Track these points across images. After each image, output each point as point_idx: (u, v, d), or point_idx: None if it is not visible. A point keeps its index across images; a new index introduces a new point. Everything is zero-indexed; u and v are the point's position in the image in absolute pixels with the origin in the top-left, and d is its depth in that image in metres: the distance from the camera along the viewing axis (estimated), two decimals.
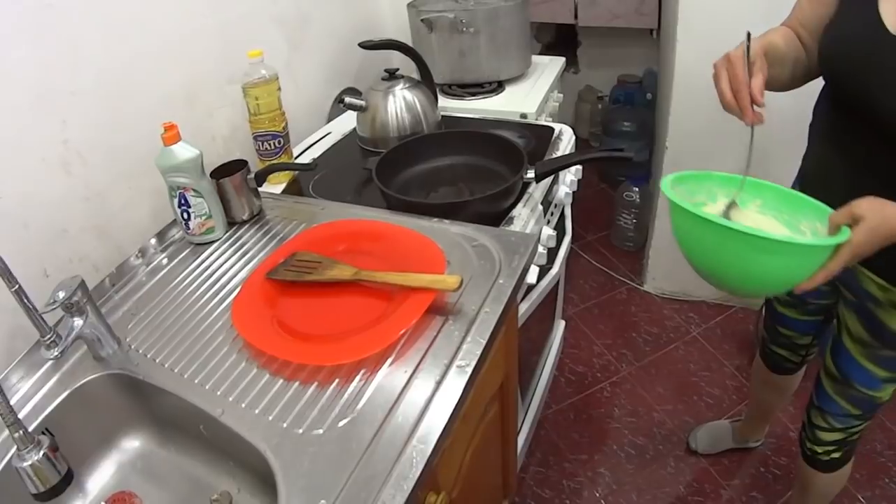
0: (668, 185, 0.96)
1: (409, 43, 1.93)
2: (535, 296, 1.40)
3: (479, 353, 0.89)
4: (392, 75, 1.59)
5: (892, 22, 0.91)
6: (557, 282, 1.66)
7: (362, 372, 0.89)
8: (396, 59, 1.60)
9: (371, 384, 0.87)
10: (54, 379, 0.97)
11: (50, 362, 0.97)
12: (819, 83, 1.11)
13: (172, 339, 1.01)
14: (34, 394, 0.95)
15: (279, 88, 1.40)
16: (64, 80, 1.10)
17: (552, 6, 2.85)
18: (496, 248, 1.07)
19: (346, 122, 1.75)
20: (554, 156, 1.47)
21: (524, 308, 1.36)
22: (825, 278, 0.89)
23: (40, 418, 0.92)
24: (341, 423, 0.82)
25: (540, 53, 2.20)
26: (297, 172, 1.50)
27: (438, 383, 0.86)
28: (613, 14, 2.85)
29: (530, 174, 1.26)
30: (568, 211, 1.60)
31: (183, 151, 1.14)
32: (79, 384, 0.96)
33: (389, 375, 0.88)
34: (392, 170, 1.37)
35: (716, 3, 1.83)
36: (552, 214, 1.43)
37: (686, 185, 1.01)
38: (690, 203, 0.92)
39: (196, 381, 0.92)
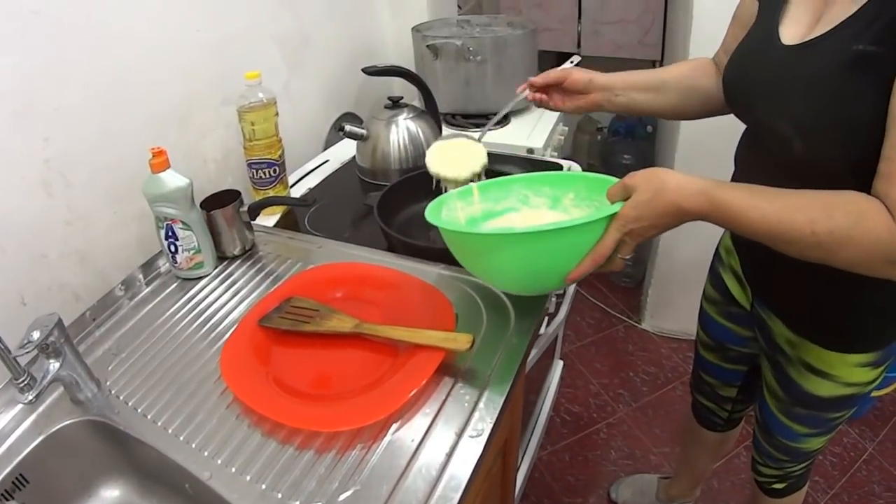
0: (433, 208, 0.96)
1: (412, 68, 1.87)
2: (540, 343, 1.32)
3: (492, 421, 0.82)
4: (396, 104, 1.52)
5: (789, 35, 0.85)
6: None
7: (365, 438, 0.81)
8: (398, 85, 1.53)
9: (375, 453, 0.79)
10: (30, 420, 0.90)
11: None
12: None
13: (157, 387, 0.93)
14: (8, 435, 0.88)
15: (277, 114, 1.33)
16: (48, 93, 1.03)
17: (555, 35, 2.81)
18: (507, 300, 1.00)
19: (345, 149, 1.68)
20: None
21: (530, 356, 1.29)
22: (593, 263, 0.82)
23: (15, 462, 0.85)
24: (342, 497, 0.74)
25: None
26: (313, 199, 1.42)
27: (449, 455, 0.78)
28: (617, 45, 2.82)
29: None
30: None
31: (172, 180, 1.07)
32: (55, 429, 0.89)
33: (395, 443, 0.80)
34: (394, 206, 1.29)
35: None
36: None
37: (490, 192, 1.03)
38: (446, 219, 0.96)
39: (181, 438, 0.84)
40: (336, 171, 1.62)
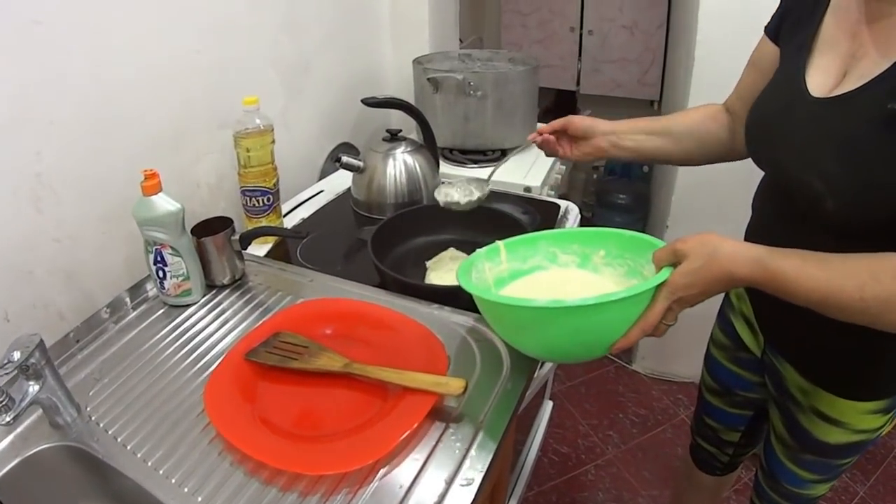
0: (463, 273, 0.91)
1: (412, 100, 1.86)
2: (532, 385, 1.30)
3: (484, 469, 0.78)
4: (394, 136, 1.51)
5: (816, 86, 0.83)
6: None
7: (351, 482, 0.78)
8: (396, 117, 1.52)
9: (361, 498, 0.76)
10: (7, 441, 0.87)
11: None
12: None
13: (138, 416, 0.90)
14: None
15: (273, 141, 1.31)
16: (43, 106, 1.01)
17: (555, 72, 2.82)
18: (501, 344, 0.97)
19: (340, 180, 1.67)
20: None
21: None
22: (641, 332, 0.79)
23: None
24: None
25: (539, 119, 2.14)
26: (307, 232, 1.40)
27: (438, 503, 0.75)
28: (616, 83, 2.83)
29: None
30: None
31: (163, 204, 1.05)
32: (32, 452, 0.86)
33: (382, 489, 0.77)
34: (388, 242, 1.27)
35: (728, 80, 1.75)
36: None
37: (517, 250, 1.00)
38: (478, 286, 0.92)
39: (161, 472, 0.81)
40: (330, 202, 1.60)
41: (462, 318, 1.03)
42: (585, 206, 3.37)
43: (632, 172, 3.01)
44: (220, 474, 0.80)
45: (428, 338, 0.96)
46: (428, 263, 1.25)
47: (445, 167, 1.80)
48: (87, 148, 1.10)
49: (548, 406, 2.05)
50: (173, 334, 1.07)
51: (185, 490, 0.78)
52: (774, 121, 0.89)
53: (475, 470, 0.78)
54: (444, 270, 1.20)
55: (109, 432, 0.87)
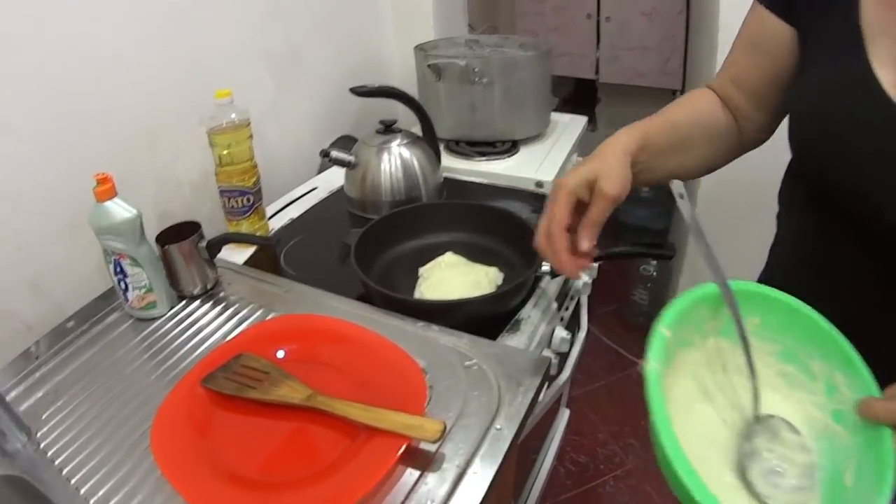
0: (656, 379, 0.64)
1: (415, 91, 1.74)
2: (537, 409, 1.16)
3: None
4: (388, 128, 1.38)
5: (890, 84, 0.65)
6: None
7: None
8: (402, 109, 1.41)
9: None
10: None
11: None
12: None
13: (88, 444, 0.80)
14: None
15: (250, 136, 1.20)
16: None
17: (573, 59, 2.69)
18: (496, 372, 0.84)
19: (335, 176, 1.54)
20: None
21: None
22: None
23: None
24: None
25: (557, 108, 2.00)
26: (278, 239, 1.29)
27: None
28: (636, 72, 2.70)
29: (546, 267, 1.03)
30: (584, 300, 1.38)
31: (118, 210, 0.94)
32: None
33: None
34: (377, 246, 1.15)
35: None
36: (566, 309, 1.21)
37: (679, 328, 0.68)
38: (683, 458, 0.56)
39: None
40: (323, 200, 1.48)
41: (451, 340, 0.90)
42: None
43: None
44: None
45: (408, 366, 0.82)
46: (421, 270, 1.12)
47: (451, 160, 1.67)
48: (46, 150, 1.03)
49: (564, 414, 1.92)
50: (137, 350, 0.97)
51: None
52: (844, 128, 0.70)
53: None
54: (438, 280, 1.08)
55: (55, 463, 0.79)
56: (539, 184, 1.54)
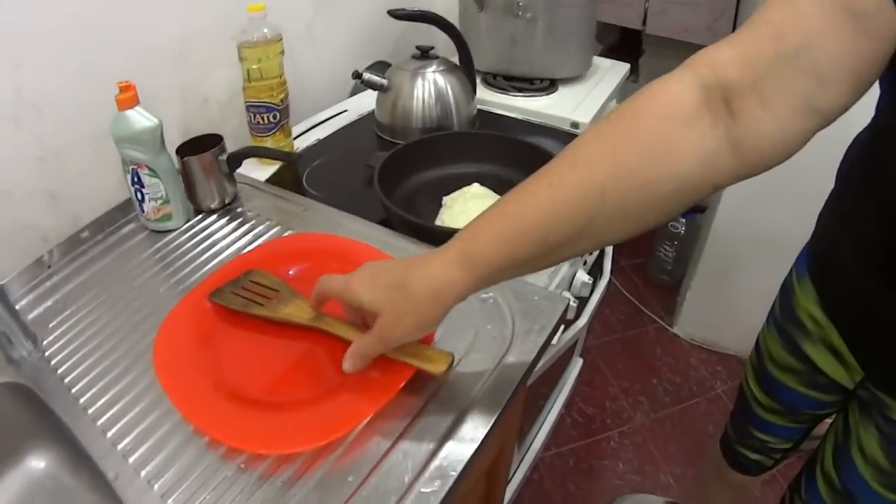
0: None
1: (456, 21, 1.67)
2: (551, 352, 1.14)
3: (459, 468, 0.64)
4: (424, 54, 1.33)
5: None
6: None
7: (298, 463, 0.65)
8: (441, 39, 1.36)
9: (305, 485, 0.63)
10: None
11: None
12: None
13: (91, 355, 0.80)
14: None
15: (282, 52, 1.16)
16: (26, 15, 0.90)
17: (620, 8, 2.58)
18: (512, 307, 0.81)
19: (367, 100, 1.50)
20: None
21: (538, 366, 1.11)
22: None
23: None
24: None
25: (601, 55, 1.93)
26: (297, 154, 1.27)
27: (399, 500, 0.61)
28: (684, 27, 2.59)
29: None
30: (610, 248, 1.34)
31: (139, 119, 0.92)
32: None
33: (331, 476, 0.64)
34: (402, 171, 1.12)
35: None
36: (589, 253, 1.18)
37: None
38: None
39: (98, 424, 0.71)
40: (352, 123, 1.45)
41: None
42: None
43: None
44: (160, 432, 0.69)
45: None
46: (445, 199, 1.09)
47: (487, 94, 1.62)
48: (77, 62, 0.99)
49: (577, 363, 1.91)
50: (151, 261, 0.96)
51: (118, 448, 0.68)
52: None
53: (450, 469, 0.64)
54: (460, 210, 1.05)
55: (58, 371, 0.79)
56: (575, 124, 1.49)
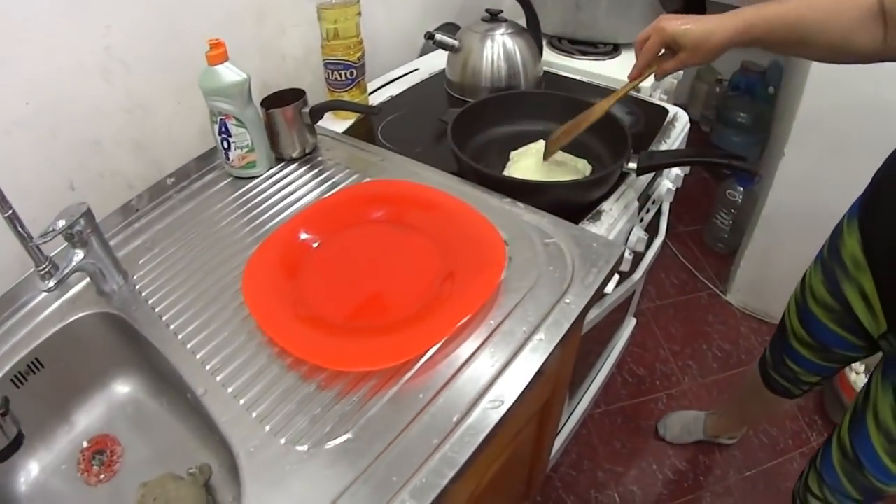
0: None
1: None
2: (607, 303, 1.21)
3: (510, 401, 0.70)
4: (494, 17, 1.38)
5: None
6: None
7: (373, 381, 0.73)
8: (509, 3, 1.40)
9: (379, 401, 0.71)
10: (54, 306, 0.88)
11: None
12: None
13: (179, 287, 0.89)
14: (31, 319, 0.86)
15: (359, 13, 1.23)
16: None
17: None
18: (572, 252, 0.87)
19: (437, 60, 1.56)
20: (663, 144, 1.25)
21: (591, 315, 1.17)
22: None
23: (32, 346, 0.84)
24: (329, 445, 0.67)
25: None
26: (379, 108, 1.33)
27: (460, 420, 0.69)
28: None
29: (632, 164, 1.05)
30: (666, 208, 1.39)
31: (228, 74, 1.00)
32: (75, 318, 0.87)
33: (403, 393, 0.72)
34: (473, 126, 1.18)
35: None
36: (647, 211, 1.23)
37: None
38: None
39: (188, 347, 0.80)
40: (423, 81, 1.51)
41: (534, 217, 0.94)
42: (704, 120, 3.13)
43: (756, 91, 2.73)
44: (245, 354, 0.78)
45: (490, 235, 0.87)
46: (513, 154, 1.16)
47: (553, 56, 1.66)
48: (162, 22, 1.06)
49: (630, 323, 1.96)
50: (233, 205, 1.05)
51: (207, 367, 0.77)
52: None
53: (499, 401, 0.70)
54: (526, 163, 1.11)
55: (149, 302, 0.87)
56: (637, 89, 1.52)
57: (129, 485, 0.80)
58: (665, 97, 1.69)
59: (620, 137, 1.08)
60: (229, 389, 0.73)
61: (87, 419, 0.90)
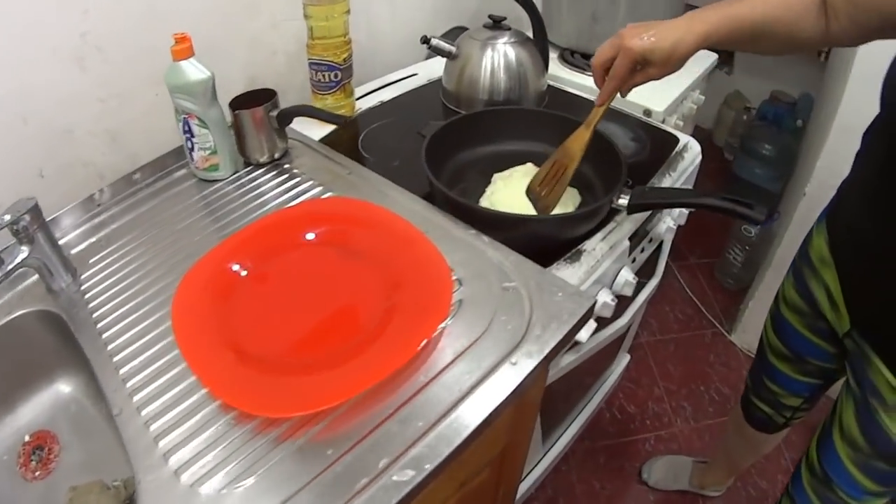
0: None
1: None
2: (586, 348, 1.09)
3: (425, 471, 0.61)
4: (497, 24, 1.28)
5: None
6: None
7: (285, 427, 0.65)
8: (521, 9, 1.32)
9: (286, 449, 0.64)
10: (2, 300, 0.85)
11: None
12: None
13: (120, 293, 0.84)
14: None
15: (347, 11, 1.14)
16: None
17: None
18: (533, 300, 0.77)
19: (439, 66, 1.46)
20: (666, 178, 1.14)
21: (566, 361, 1.07)
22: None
23: None
24: (228, 490, 0.60)
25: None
26: (352, 116, 1.25)
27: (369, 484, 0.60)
28: None
29: (623, 200, 0.94)
30: (667, 247, 1.28)
31: (192, 71, 0.94)
32: (19, 313, 0.84)
33: (311, 446, 0.64)
34: (458, 142, 1.10)
35: None
36: (641, 251, 1.12)
37: None
38: None
39: (114, 360, 0.74)
40: (420, 87, 1.42)
41: (498, 255, 0.84)
42: (728, 147, 3.00)
43: (783, 123, 2.61)
44: (166, 376, 0.72)
45: (440, 275, 0.77)
46: (496, 177, 1.06)
47: (561, 70, 1.57)
48: (142, 7, 1.01)
49: (623, 360, 1.85)
50: (194, 208, 0.99)
51: (127, 386, 0.72)
52: None
53: (420, 462, 0.62)
54: (508, 188, 1.01)
55: (89, 306, 0.83)
56: (647, 112, 1.42)
57: (62, 485, 0.77)
58: (681, 122, 1.59)
59: (615, 168, 0.98)
60: (143, 413, 0.68)
61: (32, 414, 0.87)
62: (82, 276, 0.87)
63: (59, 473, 0.81)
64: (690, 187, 1.25)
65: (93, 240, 0.93)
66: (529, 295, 0.78)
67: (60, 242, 0.87)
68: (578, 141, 0.95)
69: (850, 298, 0.93)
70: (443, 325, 0.73)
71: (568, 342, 0.75)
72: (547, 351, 0.71)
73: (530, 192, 0.99)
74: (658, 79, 0.86)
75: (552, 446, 1.57)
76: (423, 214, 0.92)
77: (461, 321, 0.75)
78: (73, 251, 0.90)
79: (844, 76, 1.56)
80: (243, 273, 0.84)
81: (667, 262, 1.30)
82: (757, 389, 1.27)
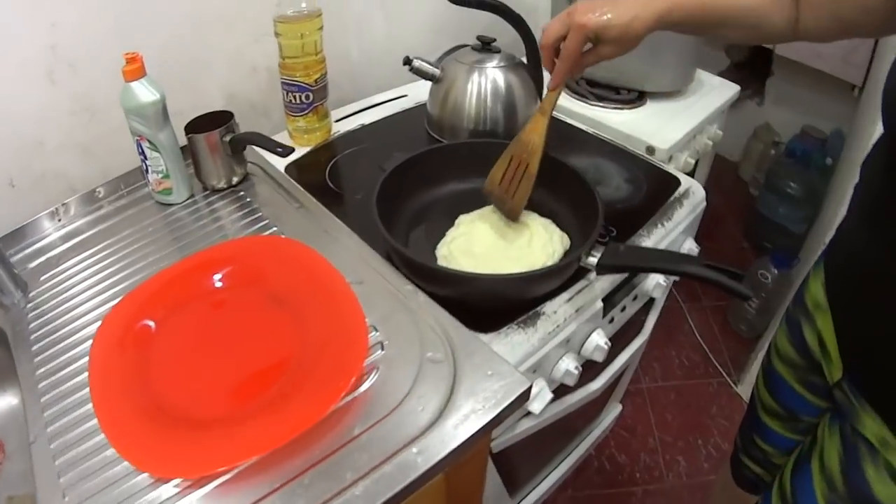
0: None
1: (548, 11, 1.53)
2: (546, 415, 0.99)
3: None
4: (486, 46, 1.19)
5: None
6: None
7: (173, 488, 0.60)
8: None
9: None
10: None
11: None
12: None
13: (59, 317, 0.83)
14: None
15: (320, 28, 1.07)
16: None
17: None
18: (459, 377, 0.67)
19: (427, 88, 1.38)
20: (658, 228, 1.03)
21: (523, 427, 0.97)
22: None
23: None
24: None
25: (727, 70, 1.71)
26: (327, 139, 1.19)
27: None
28: (817, 53, 2.35)
29: (593, 259, 0.84)
30: (660, 304, 1.17)
31: (142, 92, 0.91)
32: None
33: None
34: (422, 177, 1.01)
35: None
36: (623, 309, 1.02)
37: None
38: None
39: (39, 386, 0.73)
40: (405, 111, 1.34)
41: (432, 318, 0.75)
42: (754, 182, 2.87)
43: (812, 160, 2.47)
44: (79, 410, 0.69)
45: (356, 340, 0.69)
46: (461, 218, 0.96)
47: (562, 98, 1.46)
48: (113, 23, 0.99)
49: (615, 410, 1.73)
50: (148, 230, 0.98)
51: (45, 415, 0.69)
52: None
53: None
54: (469, 232, 0.92)
55: (31, 326, 0.82)
56: (650, 150, 1.32)
57: (1, 494, 0.78)
58: (692, 160, 1.48)
59: (592, 219, 0.88)
60: (52, 446, 0.66)
61: None
62: (32, 293, 0.86)
63: (1, 482, 0.80)
64: (690, 242, 1.16)
65: (49, 255, 0.92)
66: (455, 371, 0.68)
67: (20, 256, 0.91)
68: (537, 131, 0.90)
69: (843, 342, 0.87)
70: (348, 396, 0.65)
71: (488, 430, 0.65)
72: (456, 443, 0.61)
73: (490, 195, 0.93)
74: (611, 58, 0.82)
75: (525, 497, 1.47)
76: (365, 260, 0.84)
77: (374, 390, 0.67)
78: (30, 265, 0.91)
79: (877, 112, 1.45)
80: (152, 325, 0.79)
81: (678, 303, 1.19)
82: (747, 448, 1.20)
